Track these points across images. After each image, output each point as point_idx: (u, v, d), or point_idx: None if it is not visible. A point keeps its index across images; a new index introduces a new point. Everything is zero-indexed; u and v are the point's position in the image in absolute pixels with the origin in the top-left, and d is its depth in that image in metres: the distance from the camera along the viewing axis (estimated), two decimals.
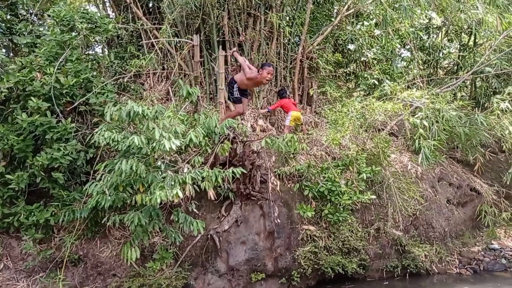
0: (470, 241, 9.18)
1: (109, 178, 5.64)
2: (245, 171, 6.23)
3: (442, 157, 9.35)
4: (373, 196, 8.01)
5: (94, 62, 7.55)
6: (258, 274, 7.19)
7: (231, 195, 7.30)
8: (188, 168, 5.79)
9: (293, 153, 8.06)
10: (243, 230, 7.32)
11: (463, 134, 8.70)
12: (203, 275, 6.94)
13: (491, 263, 8.75)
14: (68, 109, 6.69)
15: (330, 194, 7.73)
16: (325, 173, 7.88)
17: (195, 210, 6.65)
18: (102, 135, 5.30)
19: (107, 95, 6.71)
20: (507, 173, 8.91)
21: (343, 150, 8.43)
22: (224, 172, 5.84)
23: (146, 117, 5.41)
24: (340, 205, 7.70)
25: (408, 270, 8.15)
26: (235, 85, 7.39)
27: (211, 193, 5.97)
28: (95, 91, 6.68)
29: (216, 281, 6.96)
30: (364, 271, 7.88)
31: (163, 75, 8.54)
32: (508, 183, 9.20)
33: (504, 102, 8.57)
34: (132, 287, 6.28)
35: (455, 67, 11.96)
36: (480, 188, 9.63)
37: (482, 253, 9.00)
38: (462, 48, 12.10)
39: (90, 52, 7.66)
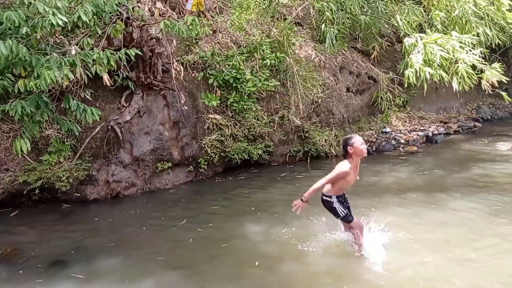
0: (365, 125, 10.17)
1: None
2: (140, 53, 5.98)
3: (344, 46, 9.85)
4: (278, 83, 8.31)
5: None
6: (165, 163, 7.38)
7: (131, 84, 7.09)
8: (76, 50, 5.41)
9: (196, 39, 7.89)
10: (146, 121, 7.29)
11: (364, 22, 9.15)
12: (106, 166, 6.93)
13: (383, 144, 9.89)
14: None
15: (236, 82, 7.88)
16: (230, 61, 7.93)
17: (89, 97, 6.38)
18: None
19: None
20: (402, 62, 9.72)
21: (247, 37, 8.44)
22: (117, 53, 5.56)
23: None
24: (245, 93, 7.92)
25: (310, 154, 8.89)
26: (335, 200, 4.77)
27: (106, 78, 5.73)
28: None
29: (120, 172, 7.01)
30: (269, 156, 8.45)
31: None
32: (401, 71, 10.10)
33: None
34: (29, 180, 6.09)
35: None
36: (376, 76, 10.46)
37: (376, 136, 10.08)
38: None
39: None
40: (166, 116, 7.47)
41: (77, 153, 6.63)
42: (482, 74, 7.68)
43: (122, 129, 6.99)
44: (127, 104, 7.16)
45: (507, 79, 8.42)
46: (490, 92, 7.90)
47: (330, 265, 4.67)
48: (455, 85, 7.62)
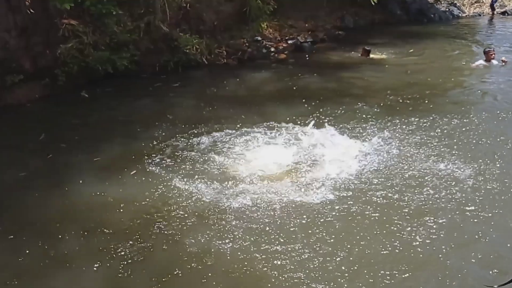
0: (237, 34, 10.35)
1: None
2: None
3: None
4: None
5: None
6: (15, 76, 6.85)
7: None
8: None
9: None
10: None
11: None
12: None
13: (254, 53, 10.30)
14: None
15: None
16: None
17: None
18: None
19: None
20: None
21: None
22: None
23: None
24: None
25: (181, 64, 8.90)
26: None
27: None
28: None
29: None
30: (137, 67, 8.28)
31: None
32: None
33: None
34: None
35: None
36: None
37: (247, 44, 10.38)
38: None
39: None
40: (11, 22, 6.83)
41: None
42: None
43: None
44: None
45: None
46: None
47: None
48: None
